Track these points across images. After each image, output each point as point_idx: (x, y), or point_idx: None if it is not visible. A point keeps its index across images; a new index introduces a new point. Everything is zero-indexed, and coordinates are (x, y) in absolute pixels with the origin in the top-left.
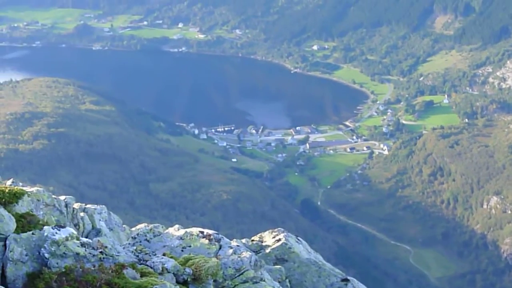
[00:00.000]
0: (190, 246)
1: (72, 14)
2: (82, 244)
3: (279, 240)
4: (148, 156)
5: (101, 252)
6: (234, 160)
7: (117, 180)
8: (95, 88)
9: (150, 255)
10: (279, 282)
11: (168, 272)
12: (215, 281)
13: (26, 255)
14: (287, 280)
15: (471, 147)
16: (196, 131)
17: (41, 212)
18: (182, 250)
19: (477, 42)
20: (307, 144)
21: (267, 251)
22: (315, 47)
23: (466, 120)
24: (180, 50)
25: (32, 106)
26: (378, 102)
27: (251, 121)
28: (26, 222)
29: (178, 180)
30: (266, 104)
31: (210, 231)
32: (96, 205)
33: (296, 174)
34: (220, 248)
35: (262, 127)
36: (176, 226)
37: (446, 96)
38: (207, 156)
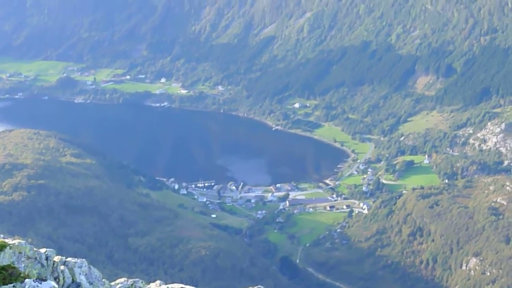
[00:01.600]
0: None
1: (56, 67)
2: None
3: None
4: (127, 210)
5: None
6: (213, 216)
7: (96, 233)
8: (76, 141)
9: None
10: None
11: None
12: None
13: None
14: None
15: (451, 208)
16: (176, 186)
17: (23, 265)
18: None
19: (458, 103)
20: (287, 202)
21: None
22: (296, 105)
23: (446, 180)
24: (163, 105)
25: (12, 157)
26: (358, 161)
27: (231, 177)
28: (7, 275)
29: (157, 235)
30: (247, 161)
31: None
32: (76, 259)
33: (276, 231)
34: None
35: (242, 183)
36: (158, 281)
37: (426, 156)
38: (186, 211)
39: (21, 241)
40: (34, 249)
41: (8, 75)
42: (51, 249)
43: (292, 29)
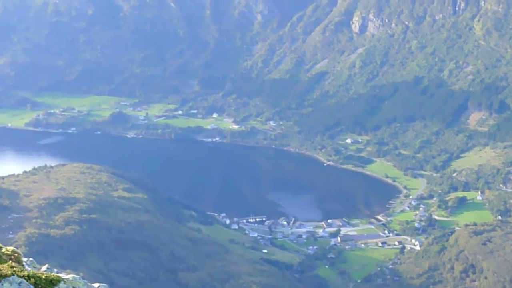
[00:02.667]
0: None
1: (108, 102)
2: None
3: None
4: (178, 244)
5: None
6: (264, 251)
7: (146, 268)
8: (128, 176)
9: None
10: None
11: None
12: None
13: None
14: None
15: (504, 245)
16: (227, 221)
17: None
18: None
19: (511, 140)
20: (338, 237)
21: None
22: (348, 140)
23: (499, 217)
24: (214, 140)
25: (65, 192)
26: (410, 197)
27: (282, 212)
28: None
29: (208, 270)
30: (298, 196)
31: None
32: None
33: (327, 267)
34: None
35: (293, 219)
36: None
37: (479, 192)
38: (237, 247)
39: (75, 275)
40: (88, 283)
41: (61, 110)
42: (103, 284)
43: (344, 64)
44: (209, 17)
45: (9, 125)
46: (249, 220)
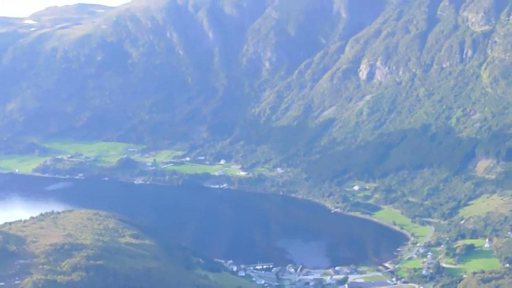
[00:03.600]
0: None
1: (116, 148)
2: None
3: None
4: None
5: None
6: None
7: None
8: (135, 222)
9: None
10: None
11: None
12: None
13: None
14: None
15: None
16: (235, 268)
17: None
18: None
19: None
20: (346, 285)
21: None
22: (356, 187)
23: (507, 265)
24: (222, 186)
25: (72, 238)
26: (418, 244)
27: (290, 259)
28: None
29: None
30: (305, 243)
31: None
32: None
33: None
34: None
35: (300, 266)
36: None
37: (487, 240)
38: None
39: None
40: None
41: (69, 156)
42: None
43: (351, 111)
44: (218, 64)
45: (17, 170)
46: (256, 267)
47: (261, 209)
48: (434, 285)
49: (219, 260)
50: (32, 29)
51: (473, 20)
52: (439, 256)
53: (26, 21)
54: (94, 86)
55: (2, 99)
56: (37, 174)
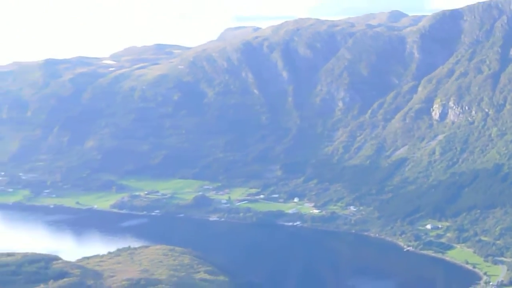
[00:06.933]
0: None
1: (192, 185)
2: None
3: None
4: None
5: None
6: None
7: None
8: (210, 258)
9: None
10: None
11: None
12: None
13: None
14: None
15: None
16: None
17: None
18: None
19: None
20: None
21: None
22: (428, 226)
23: None
24: (295, 224)
25: (148, 273)
26: (491, 283)
27: None
28: None
29: None
30: (377, 282)
31: None
32: None
33: None
34: None
35: None
36: None
37: None
38: None
39: None
40: None
41: (146, 192)
42: None
43: (424, 151)
44: (291, 104)
45: (95, 206)
46: None
47: (333, 247)
48: None
49: None
50: (111, 69)
51: None
52: None
53: (105, 61)
54: (170, 125)
55: (81, 137)
56: (115, 210)
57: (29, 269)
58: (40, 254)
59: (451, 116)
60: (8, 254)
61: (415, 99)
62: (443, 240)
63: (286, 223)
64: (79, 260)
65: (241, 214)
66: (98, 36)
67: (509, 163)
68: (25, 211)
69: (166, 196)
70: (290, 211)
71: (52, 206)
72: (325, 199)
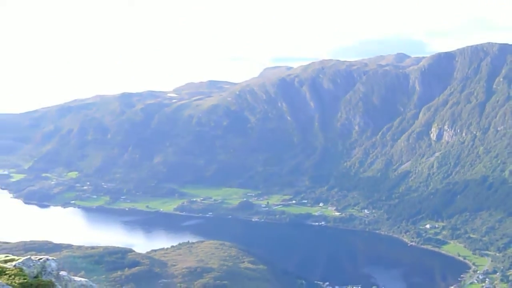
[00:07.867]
0: None
1: (238, 193)
2: None
3: None
4: None
5: None
6: None
7: None
8: (252, 251)
9: None
10: None
11: None
12: None
13: None
14: None
15: None
16: None
17: None
18: None
19: None
20: None
21: None
22: (427, 226)
23: None
24: (320, 224)
25: (203, 262)
26: (478, 272)
27: (374, 282)
28: None
29: None
30: (387, 270)
31: None
32: None
33: None
34: None
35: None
36: None
37: None
38: None
39: None
40: None
41: (201, 198)
42: None
43: (424, 165)
44: (317, 127)
45: (161, 210)
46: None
47: (351, 242)
48: None
49: (318, 282)
50: (174, 100)
51: None
52: (495, 282)
53: (169, 94)
54: (220, 144)
55: (150, 154)
56: (177, 212)
57: (109, 259)
58: (117, 247)
59: (446, 137)
60: (92, 247)
61: (417, 123)
62: (439, 237)
63: (313, 223)
64: (148, 252)
65: (277, 216)
66: (164, 73)
67: (493, 175)
68: (106, 213)
69: (217, 201)
70: (316, 214)
71: (127, 209)
72: (345, 204)
